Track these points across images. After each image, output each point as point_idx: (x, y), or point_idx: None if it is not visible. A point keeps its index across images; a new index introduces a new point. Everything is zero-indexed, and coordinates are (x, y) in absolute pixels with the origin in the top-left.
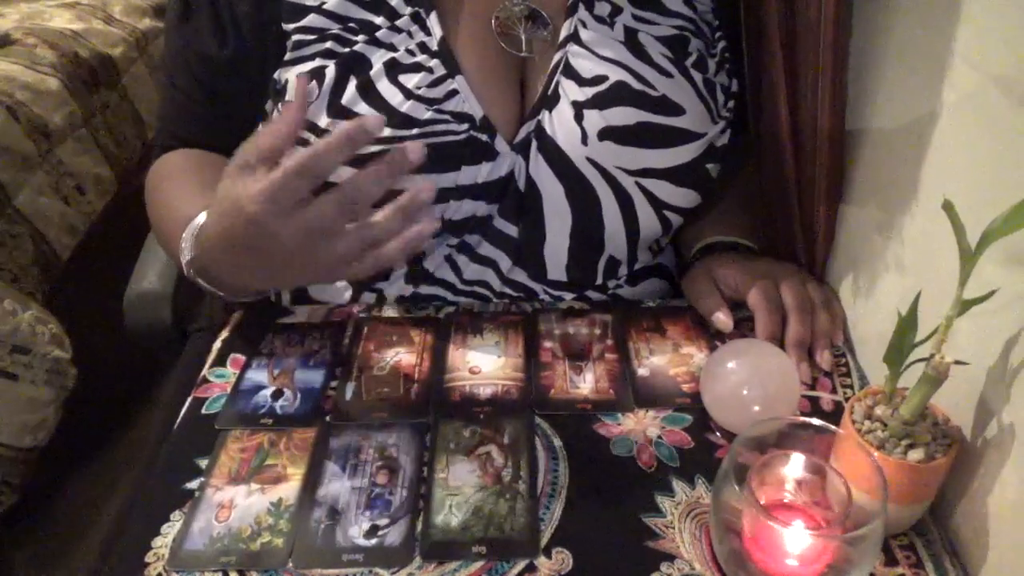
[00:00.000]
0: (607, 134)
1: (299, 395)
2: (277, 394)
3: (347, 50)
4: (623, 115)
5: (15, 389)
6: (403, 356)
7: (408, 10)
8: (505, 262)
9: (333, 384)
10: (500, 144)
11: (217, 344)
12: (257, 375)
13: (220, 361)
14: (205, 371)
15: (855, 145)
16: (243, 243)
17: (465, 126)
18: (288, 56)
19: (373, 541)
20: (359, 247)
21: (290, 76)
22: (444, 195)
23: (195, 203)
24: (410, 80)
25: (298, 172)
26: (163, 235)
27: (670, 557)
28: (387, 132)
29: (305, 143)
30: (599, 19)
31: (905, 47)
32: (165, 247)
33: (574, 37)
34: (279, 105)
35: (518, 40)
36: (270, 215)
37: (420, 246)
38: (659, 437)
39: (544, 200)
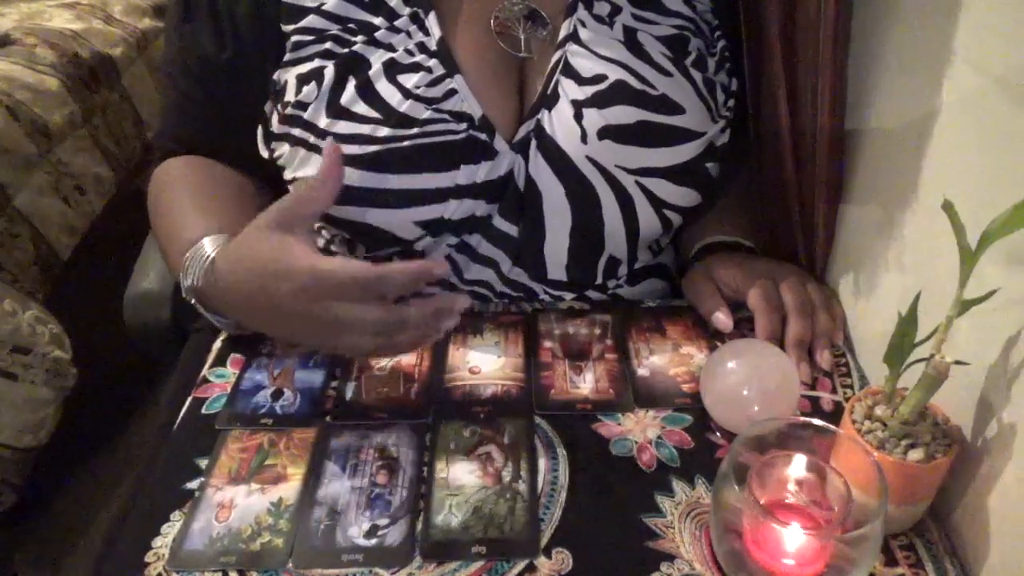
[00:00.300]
0: (607, 133)
1: (299, 395)
2: (277, 394)
3: (346, 51)
4: (623, 114)
5: (15, 389)
6: (403, 356)
7: (407, 10)
8: (505, 262)
9: (333, 384)
10: (499, 143)
11: (217, 344)
12: (257, 375)
13: (220, 361)
14: (205, 371)
15: (855, 145)
16: (260, 299)
17: (464, 125)
18: (287, 57)
19: (373, 541)
20: (372, 345)
21: (289, 77)
22: (443, 194)
23: (196, 224)
24: (409, 80)
25: (357, 285)
26: (162, 248)
27: (670, 557)
28: (386, 132)
29: (304, 143)
30: (598, 18)
31: (905, 47)
32: (163, 257)
33: (573, 36)
34: (278, 107)
35: (517, 40)
36: (305, 298)
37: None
38: (659, 437)
39: (544, 199)
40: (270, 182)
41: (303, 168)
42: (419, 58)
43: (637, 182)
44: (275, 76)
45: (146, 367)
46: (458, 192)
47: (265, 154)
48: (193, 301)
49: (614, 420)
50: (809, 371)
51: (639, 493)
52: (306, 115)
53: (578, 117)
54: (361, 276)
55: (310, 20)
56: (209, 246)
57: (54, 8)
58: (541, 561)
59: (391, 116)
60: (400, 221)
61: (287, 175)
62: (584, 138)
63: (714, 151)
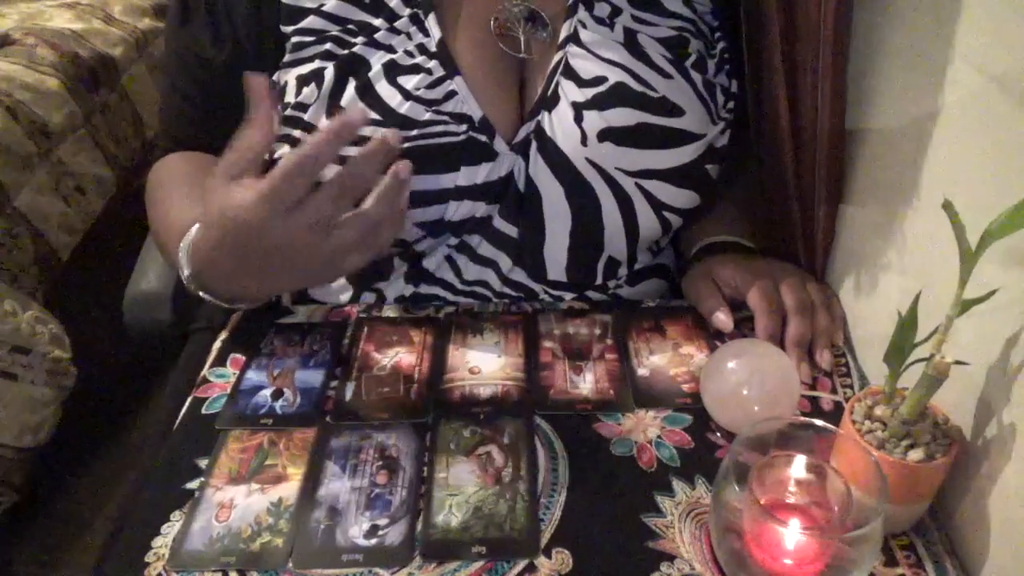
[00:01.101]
0: (607, 135)
1: (299, 395)
2: (277, 394)
3: (346, 52)
4: (623, 116)
5: (15, 389)
6: (403, 356)
7: (407, 12)
8: (505, 262)
9: (333, 384)
10: (499, 145)
11: (217, 344)
12: (257, 375)
13: (220, 361)
14: (205, 371)
15: (855, 145)
16: (243, 250)
17: (464, 127)
18: (287, 58)
19: (373, 541)
20: (357, 235)
21: (289, 78)
22: (444, 196)
23: (192, 212)
24: (409, 81)
25: (294, 174)
26: (160, 243)
27: (670, 557)
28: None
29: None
30: (599, 20)
31: (905, 47)
32: (162, 254)
33: (574, 38)
34: (278, 108)
35: (517, 41)
36: (270, 219)
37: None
38: (659, 437)
39: (544, 201)
40: None
41: None
42: (419, 59)
43: (637, 184)
44: (275, 77)
45: (146, 367)
46: (458, 193)
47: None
48: (195, 289)
49: (614, 420)
50: (809, 371)
51: (639, 493)
52: (306, 116)
53: (578, 119)
54: (291, 163)
55: (310, 21)
56: (195, 231)
57: (54, 8)
58: (541, 561)
59: (391, 117)
60: None
61: None
62: (584, 140)
63: (714, 153)
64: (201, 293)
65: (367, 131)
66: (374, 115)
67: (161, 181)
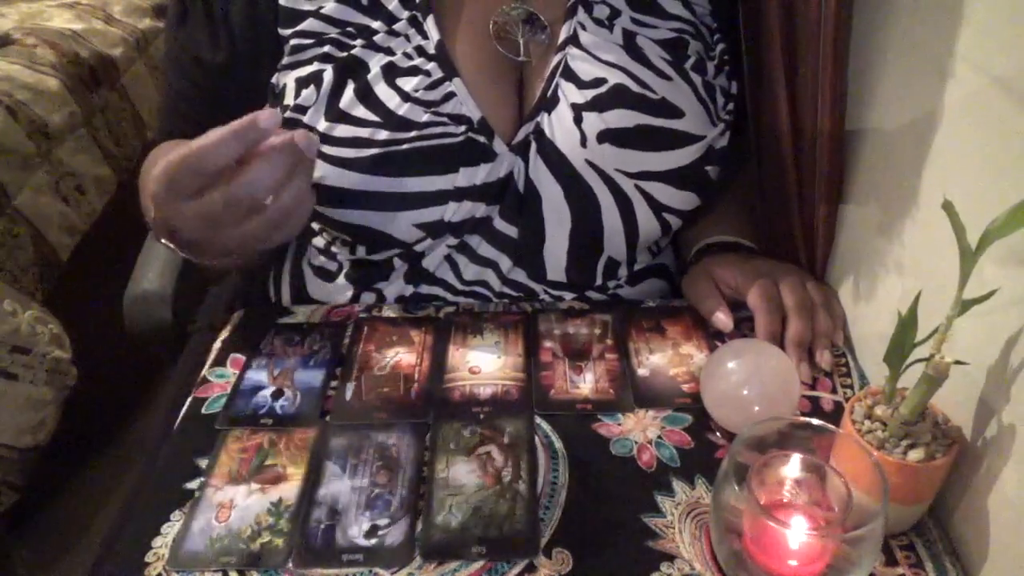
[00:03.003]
0: (606, 136)
1: (299, 395)
2: (277, 394)
3: (345, 54)
4: (622, 118)
5: (15, 389)
6: (403, 356)
7: (405, 14)
8: (505, 263)
9: (333, 384)
10: (498, 146)
11: (217, 344)
12: (257, 375)
13: (220, 361)
14: (205, 371)
15: (855, 145)
16: (162, 226)
17: (463, 128)
18: (285, 60)
19: (373, 541)
20: (258, 230)
21: (288, 80)
22: (443, 196)
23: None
24: (408, 83)
25: (184, 166)
26: (149, 221)
27: (670, 557)
28: (385, 135)
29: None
30: (598, 22)
31: (905, 47)
32: (152, 230)
33: (573, 40)
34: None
35: (515, 44)
36: (165, 204)
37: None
38: (659, 437)
39: (543, 202)
40: None
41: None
42: (418, 61)
43: (636, 186)
44: (274, 79)
45: (146, 367)
46: (458, 194)
47: None
48: (164, 242)
49: (614, 420)
50: (809, 371)
51: (639, 493)
52: (305, 118)
53: (578, 120)
54: (183, 155)
55: (308, 24)
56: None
57: (54, 8)
58: (541, 561)
59: (390, 119)
60: (400, 223)
61: None
62: (583, 142)
63: (713, 154)
64: (170, 245)
65: (364, 133)
66: (374, 117)
67: (148, 165)
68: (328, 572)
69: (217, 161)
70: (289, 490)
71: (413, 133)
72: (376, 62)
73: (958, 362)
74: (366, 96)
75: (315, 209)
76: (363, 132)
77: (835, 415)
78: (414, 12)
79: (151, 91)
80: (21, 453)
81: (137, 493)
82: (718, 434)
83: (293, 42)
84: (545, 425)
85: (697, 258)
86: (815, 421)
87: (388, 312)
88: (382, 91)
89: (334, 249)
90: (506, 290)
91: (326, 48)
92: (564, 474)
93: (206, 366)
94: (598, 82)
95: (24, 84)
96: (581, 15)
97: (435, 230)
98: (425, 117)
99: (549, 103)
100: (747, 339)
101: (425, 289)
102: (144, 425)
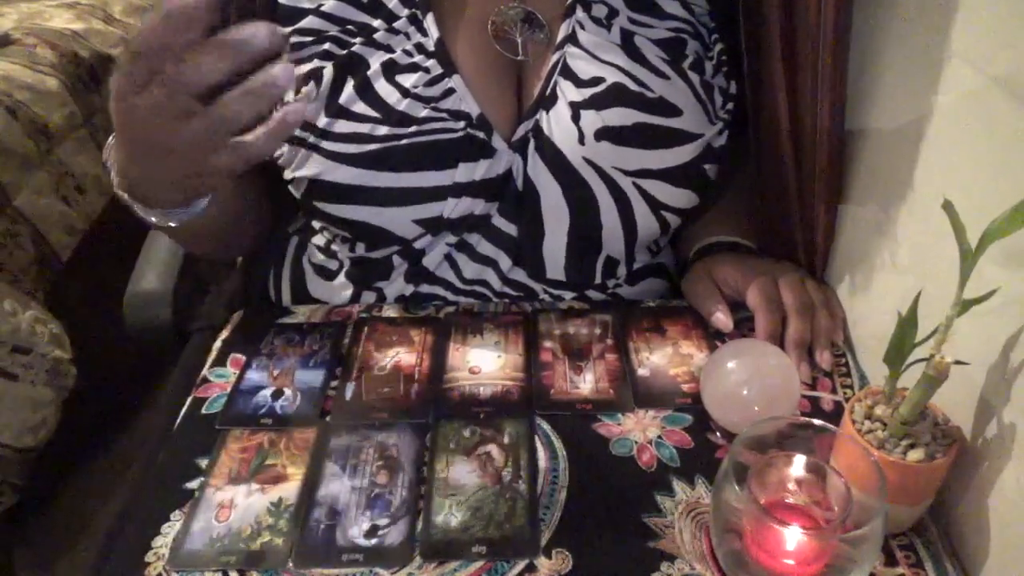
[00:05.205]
0: (604, 134)
1: (299, 395)
2: (277, 394)
3: (344, 52)
4: (620, 116)
5: (15, 389)
6: (403, 356)
7: (405, 12)
8: (505, 261)
9: (333, 384)
10: (497, 142)
11: (217, 344)
12: (257, 375)
13: (220, 361)
14: (205, 371)
15: (855, 145)
16: (123, 133)
17: (462, 124)
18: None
19: (373, 541)
20: (214, 127)
21: None
22: (442, 192)
23: None
24: (407, 80)
25: (140, 48)
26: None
27: (670, 557)
28: (384, 130)
29: (303, 143)
30: (596, 21)
31: (905, 47)
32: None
33: (572, 38)
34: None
35: (514, 43)
36: (125, 89)
37: (289, 131)
38: (659, 437)
39: (542, 199)
40: (268, 180)
41: (302, 168)
42: (417, 58)
43: (635, 184)
44: None
45: (146, 367)
46: (457, 190)
47: None
48: (127, 200)
49: (614, 420)
50: (809, 371)
51: (639, 493)
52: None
53: (576, 118)
54: (137, 38)
55: (308, 21)
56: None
57: (54, 8)
58: (541, 561)
59: (390, 115)
60: (399, 219)
61: (287, 175)
62: (582, 139)
63: (712, 153)
64: (131, 202)
65: (364, 129)
66: (373, 113)
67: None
68: (328, 572)
69: (178, 37)
70: (289, 490)
71: (412, 129)
72: (376, 59)
73: (958, 362)
74: (366, 92)
75: (315, 205)
76: (363, 128)
77: (835, 415)
78: (414, 10)
79: None
80: (21, 453)
81: (137, 493)
82: (718, 434)
83: (293, 40)
84: (545, 425)
85: (697, 258)
86: (815, 421)
87: (388, 312)
88: (382, 87)
89: (334, 247)
90: (506, 289)
91: (326, 46)
92: (564, 474)
93: (206, 366)
94: (596, 81)
95: (24, 84)
96: (579, 14)
97: (434, 226)
98: (424, 113)
99: (547, 101)
100: (747, 339)
101: (425, 288)
102: (144, 425)
